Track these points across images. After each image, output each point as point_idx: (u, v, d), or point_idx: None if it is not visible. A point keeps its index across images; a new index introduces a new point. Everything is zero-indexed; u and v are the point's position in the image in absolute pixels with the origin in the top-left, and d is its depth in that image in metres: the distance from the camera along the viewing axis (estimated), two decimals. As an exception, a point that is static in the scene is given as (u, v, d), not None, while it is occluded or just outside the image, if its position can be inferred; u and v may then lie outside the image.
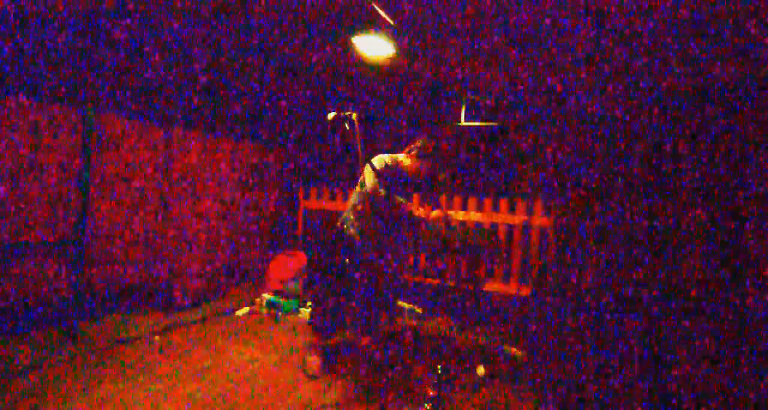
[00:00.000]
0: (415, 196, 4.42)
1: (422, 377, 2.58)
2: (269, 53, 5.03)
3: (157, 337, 3.04)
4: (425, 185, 4.47)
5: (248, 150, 4.48)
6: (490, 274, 4.07)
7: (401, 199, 2.69)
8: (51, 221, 2.93)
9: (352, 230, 2.66)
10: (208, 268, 4.08)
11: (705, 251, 2.10)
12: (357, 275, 2.60)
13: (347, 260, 2.61)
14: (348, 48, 3.86)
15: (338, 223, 2.76)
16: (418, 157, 2.71)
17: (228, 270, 4.33)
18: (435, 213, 2.65)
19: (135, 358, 2.68)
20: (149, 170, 3.52)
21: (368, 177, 2.58)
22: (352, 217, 2.69)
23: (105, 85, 3.52)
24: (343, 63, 4.92)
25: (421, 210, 2.64)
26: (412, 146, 2.75)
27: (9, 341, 2.74)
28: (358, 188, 2.74)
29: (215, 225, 4.13)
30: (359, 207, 2.67)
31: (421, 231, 2.83)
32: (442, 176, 4.66)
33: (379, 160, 2.70)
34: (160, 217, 3.63)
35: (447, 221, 2.69)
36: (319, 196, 4.97)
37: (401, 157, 2.78)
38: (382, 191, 2.55)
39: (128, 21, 3.62)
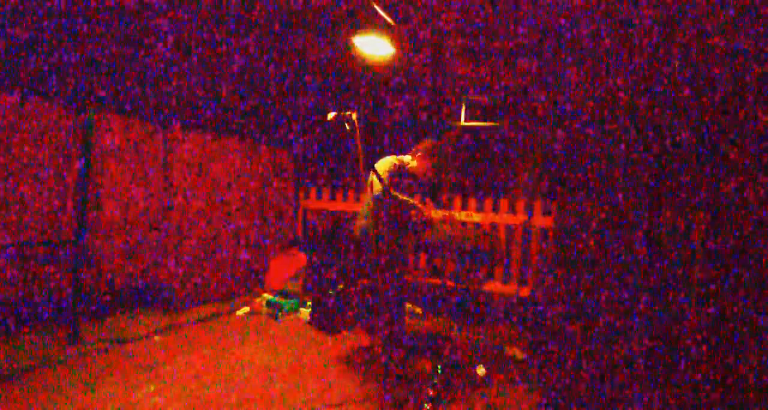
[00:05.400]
0: (417, 197, 4.42)
1: (422, 377, 2.58)
2: (270, 53, 5.03)
3: (157, 337, 3.04)
4: (428, 186, 4.47)
5: (248, 150, 4.48)
6: (490, 275, 4.07)
7: (411, 201, 2.69)
8: (51, 221, 2.93)
9: (371, 232, 2.67)
10: (208, 268, 4.08)
11: (706, 252, 2.10)
12: (369, 277, 2.61)
13: (359, 263, 2.63)
14: (348, 48, 3.86)
15: (351, 227, 2.80)
16: (425, 158, 2.77)
17: (228, 270, 4.32)
18: (440, 214, 2.68)
19: (135, 358, 2.68)
20: (149, 170, 3.52)
21: (375, 183, 2.59)
22: (364, 222, 2.71)
23: (105, 84, 3.52)
24: (344, 63, 4.92)
25: (426, 211, 2.66)
26: (419, 147, 2.81)
27: (9, 341, 2.74)
28: (368, 193, 2.74)
29: (215, 224, 4.12)
30: (375, 213, 2.66)
31: (424, 232, 2.84)
32: (446, 176, 4.68)
33: (387, 163, 2.72)
34: (159, 217, 3.63)
35: (451, 222, 2.71)
36: (319, 196, 4.97)
37: (407, 158, 2.84)
38: (395, 193, 2.58)
39: (128, 21, 3.62)
